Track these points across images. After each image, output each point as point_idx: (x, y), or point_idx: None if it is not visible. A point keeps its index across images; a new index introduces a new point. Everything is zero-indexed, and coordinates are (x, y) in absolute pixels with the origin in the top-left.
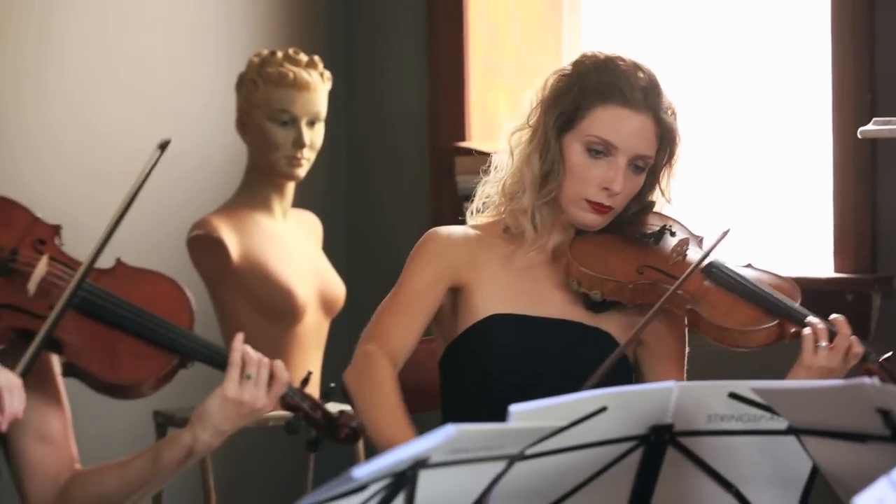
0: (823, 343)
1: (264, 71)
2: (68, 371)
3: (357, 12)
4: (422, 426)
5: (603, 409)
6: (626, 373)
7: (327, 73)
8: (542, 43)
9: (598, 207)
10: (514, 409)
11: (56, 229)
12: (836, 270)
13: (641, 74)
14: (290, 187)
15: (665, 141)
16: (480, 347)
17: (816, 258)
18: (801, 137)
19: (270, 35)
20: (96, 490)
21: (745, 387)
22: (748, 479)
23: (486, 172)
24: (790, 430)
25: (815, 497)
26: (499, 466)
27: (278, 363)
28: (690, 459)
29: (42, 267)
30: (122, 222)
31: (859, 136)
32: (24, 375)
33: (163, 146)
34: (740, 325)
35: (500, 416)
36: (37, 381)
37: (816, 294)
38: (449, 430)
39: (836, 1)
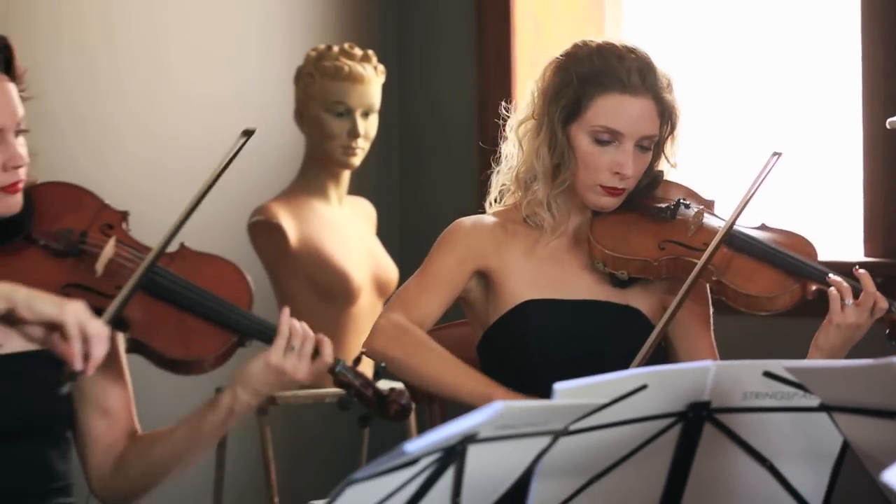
0: (849, 301)
1: (321, 64)
2: (133, 347)
3: (409, 9)
4: (462, 407)
5: (643, 387)
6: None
7: (381, 67)
8: (585, 37)
9: (612, 191)
10: (559, 386)
11: (123, 215)
12: (866, 255)
13: (634, 56)
14: (346, 175)
15: (666, 116)
16: (517, 333)
17: (847, 243)
18: (833, 128)
19: (327, 30)
20: (147, 458)
21: (779, 366)
22: (782, 454)
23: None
24: (822, 407)
25: (845, 471)
26: (544, 441)
27: (327, 344)
28: (727, 435)
29: (110, 249)
30: (195, 210)
31: (888, 126)
32: (111, 324)
33: (247, 133)
34: (765, 291)
35: (540, 395)
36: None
37: (847, 277)
38: (497, 407)
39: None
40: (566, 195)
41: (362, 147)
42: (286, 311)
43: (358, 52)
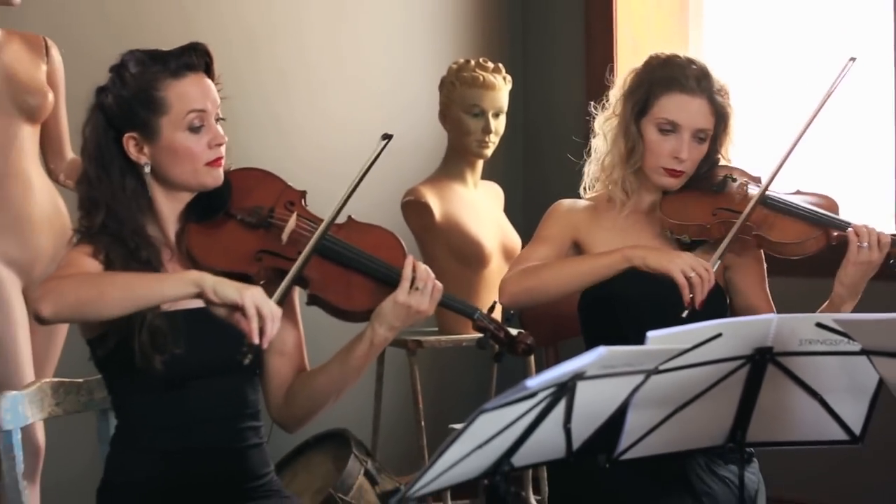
0: (865, 244)
1: (461, 75)
2: (311, 301)
3: (531, 30)
4: (565, 351)
5: (718, 335)
6: (721, 298)
7: (508, 77)
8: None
9: (672, 172)
10: (651, 334)
11: (302, 194)
12: None
13: (694, 66)
14: (480, 164)
15: (720, 117)
16: (603, 291)
17: (881, 218)
18: (870, 124)
19: (466, 46)
20: (308, 387)
21: (828, 318)
22: (830, 390)
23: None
24: (863, 352)
25: (880, 403)
26: (638, 379)
27: (437, 282)
28: (786, 374)
29: (292, 222)
30: (352, 195)
31: None
32: (281, 304)
33: (386, 137)
34: (795, 238)
35: (624, 342)
36: (283, 307)
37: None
38: (601, 351)
39: None
40: (636, 176)
41: (493, 141)
42: (410, 257)
43: (490, 64)
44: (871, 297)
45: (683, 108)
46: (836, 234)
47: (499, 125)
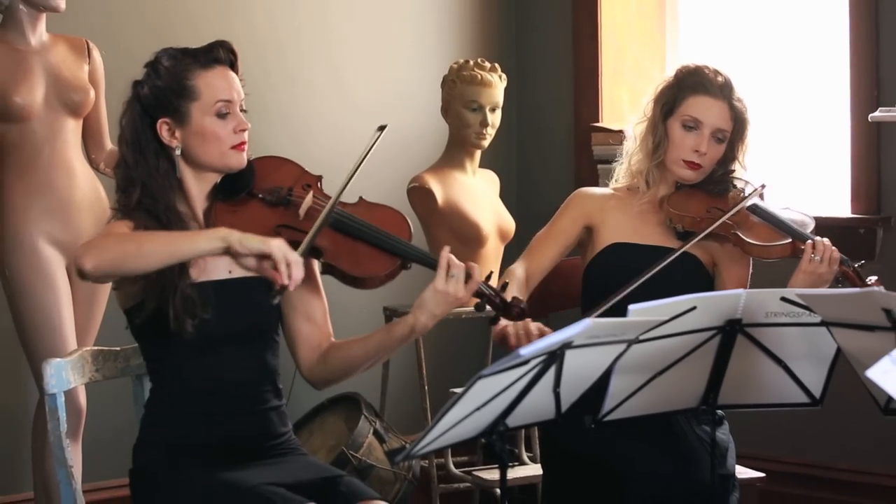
0: (818, 257)
1: (461, 74)
2: (326, 269)
3: (524, 33)
4: (568, 319)
5: (693, 308)
6: (710, 287)
7: (504, 75)
8: (651, 54)
9: (691, 165)
10: (632, 307)
11: (318, 178)
12: (853, 212)
13: (720, 78)
14: (478, 153)
15: (738, 122)
16: (606, 265)
17: (838, 203)
18: (830, 121)
19: (465, 48)
20: (345, 355)
21: (792, 293)
22: (793, 357)
23: (620, 155)
24: (822, 323)
25: (838, 369)
26: (621, 348)
27: (475, 267)
28: (754, 343)
29: (308, 200)
30: (356, 173)
31: (869, 120)
32: (304, 256)
33: (381, 128)
34: (764, 241)
35: (620, 313)
36: (305, 279)
37: (838, 228)
38: (587, 322)
39: (854, 27)
40: (658, 170)
41: (490, 133)
42: (446, 248)
43: (487, 64)
44: None
45: (707, 108)
46: (802, 246)
47: (495, 119)
